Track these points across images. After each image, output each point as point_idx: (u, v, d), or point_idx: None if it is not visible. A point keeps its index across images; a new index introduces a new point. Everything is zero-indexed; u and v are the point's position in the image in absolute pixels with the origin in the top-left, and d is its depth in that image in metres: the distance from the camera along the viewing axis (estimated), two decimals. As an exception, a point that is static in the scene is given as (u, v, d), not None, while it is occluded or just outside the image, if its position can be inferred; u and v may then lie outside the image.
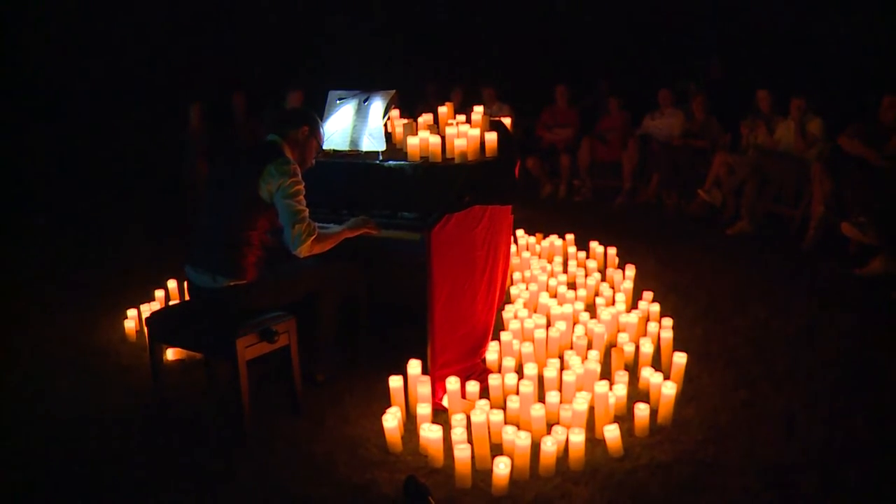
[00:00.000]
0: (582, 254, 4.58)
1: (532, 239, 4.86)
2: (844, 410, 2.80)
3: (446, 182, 3.05)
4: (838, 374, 3.10)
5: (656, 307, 3.62)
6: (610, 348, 3.21)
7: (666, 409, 2.71)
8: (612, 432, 2.50)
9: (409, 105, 5.28)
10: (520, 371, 3.05)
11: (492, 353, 3.17)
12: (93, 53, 7.74)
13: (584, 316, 3.56)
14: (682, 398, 2.90)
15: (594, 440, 2.61)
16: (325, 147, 3.40)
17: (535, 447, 2.43)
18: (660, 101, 6.66)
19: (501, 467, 2.28)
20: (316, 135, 2.89)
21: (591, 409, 2.70)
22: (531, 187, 7.07)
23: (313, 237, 2.69)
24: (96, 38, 7.78)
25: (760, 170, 5.50)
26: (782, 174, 5.49)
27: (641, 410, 2.64)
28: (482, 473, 2.42)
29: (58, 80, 7.55)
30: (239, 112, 6.78)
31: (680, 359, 2.95)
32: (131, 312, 3.75)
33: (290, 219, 2.65)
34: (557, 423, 2.58)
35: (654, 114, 6.74)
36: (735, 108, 6.29)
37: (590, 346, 3.24)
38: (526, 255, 4.54)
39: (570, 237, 4.82)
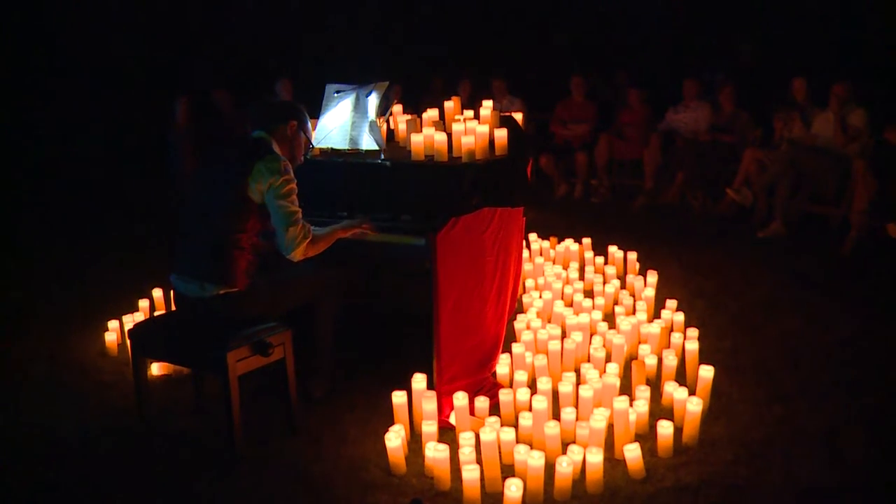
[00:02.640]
0: (600, 259, 4.61)
1: (546, 243, 4.89)
2: (890, 428, 2.80)
3: (453, 182, 3.09)
4: (883, 389, 3.11)
5: (680, 316, 3.64)
6: (630, 361, 3.23)
7: (692, 427, 2.73)
8: (632, 452, 2.52)
9: (413, 99, 5.34)
10: (533, 386, 3.08)
11: (502, 366, 3.20)
12: (69, 46, 7.83)
13: (603, 326, 3.58)
14: (710, 415, 2.91)
15: (613, 460, 2.63)
16: (322, 145, 3.45)
17: (550, 468, 2.45)
18: (684, 92, 6.68)
19: (513, 490, 2.30)
20: (304, 129, 2.92)
21: (610, 426, 2.72)
22: (545, 187, 7.10)
23: (308, 240, 2.73)
24: (74, 29, 7.87)
25: (795, 166, 5.51)
26: (820, 171, 5.48)
27: (665, 428, 2.66)
28: (492, 497, 2.44)
29: (32, 74, 7.64)
30: (226, 106, 6.85)
31: (706, 372, 2.97)
32: (112, 324, 3.79)
33: (283, 221, 2.68)
34: (573, 443, 2.60)
35: (678, 107, 6.76)
36: (767, 99, 6.31)
37: (608, 359, 3.26)
38: (539, 260, 4.57)
39: (586, 241, 4.85)
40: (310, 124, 2.98)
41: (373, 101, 3.36)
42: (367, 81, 3.45)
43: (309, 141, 2.98)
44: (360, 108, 3.39)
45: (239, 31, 8.66)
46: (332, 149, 3.46)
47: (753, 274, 4.67)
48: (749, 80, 6.79)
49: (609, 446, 2.67)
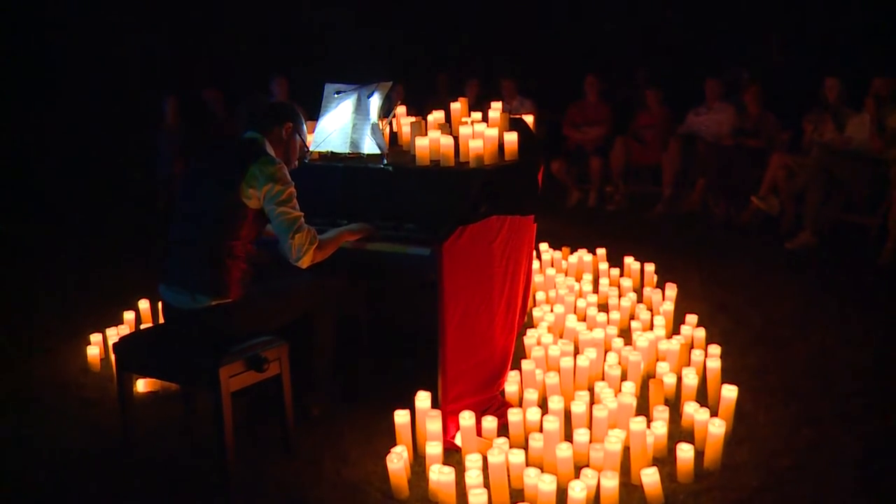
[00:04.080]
0: (615, 271, 4.64)
1: (558, 254, 4.92)
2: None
3: (460, 189, 3.12)
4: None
5: (702, 332, 3.67)
6: (647, 380, 3.25)
7: (714, 451, 2.74)
8: (650, 477, 2.54)
9: (418, 100, 5.39)
10: (543, 405, 3.10)
11: (511, 384, 3.23)
12: (51, 43, 7.90)
13: (618, 342, 3.61)
14: (733, 438, 2.93)
15: (629, 486, 2.64)
16: (322, 149, 3.50)
17: (562, 493, 2.48)
18: (707, 93, 6.71)
19: (523, 515, 2.33)
20: (300, 132, 2.97)
21: (626, 449, 2.74)
22: (557, 194, 7.14)
23: (315, 245, 2.76)
24: (55, 27, 7.95)
25: (826, 172, 5.52)
26: (853, 177, 5.49)
27: (685, 452, 2.68)
28: (501, 523, 2.47)
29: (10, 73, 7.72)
30: (218, 106, 6.93)
31: (730, 392, 2.99)
32: (95, 338, 3.83)
33: (287, 228, 2.71)
34: (587, 466, 2.63)
35: (699, 109, 6.79)
36: (796, 100, 6.33)
37: (624, 378, 3.29)
38: (551, 272, 4.60)
39: (601, 252, 4.88)
40: (305, 127, 3.03)
41: (375, 102, 3.41)
42: (369, 81, 3.50)
43: (304, 144, 3.03)
44: (361, 109, 3.44)
45: (234, 26, 8.74)
46: (331, 152, 3.51)
47: (780, 287, 4.69)
48: (776, 80, 6.81)
49: (625, 470, 2.68)
